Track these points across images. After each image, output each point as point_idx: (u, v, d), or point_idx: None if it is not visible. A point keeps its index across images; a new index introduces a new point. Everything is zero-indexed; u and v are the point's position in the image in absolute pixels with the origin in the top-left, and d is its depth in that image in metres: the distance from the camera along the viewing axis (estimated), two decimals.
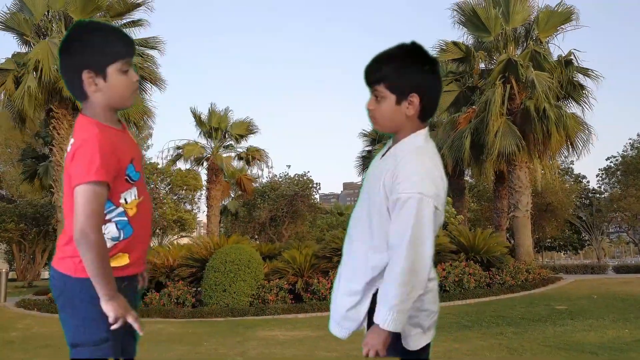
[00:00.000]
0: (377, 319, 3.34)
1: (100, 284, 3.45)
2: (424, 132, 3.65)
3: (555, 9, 29.21)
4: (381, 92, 3.59)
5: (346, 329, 3.66)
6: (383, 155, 3.73)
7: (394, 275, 3.30)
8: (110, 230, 3.60)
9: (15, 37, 28.04)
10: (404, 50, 3.63)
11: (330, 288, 18.68)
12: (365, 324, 3.56)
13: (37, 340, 12.62)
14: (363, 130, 41.07)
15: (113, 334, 3.57)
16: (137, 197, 3.69)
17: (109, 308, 3.45)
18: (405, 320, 3.35)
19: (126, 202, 3.63)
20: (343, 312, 3.65)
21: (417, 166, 3.42)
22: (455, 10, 29.96)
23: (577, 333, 12.25)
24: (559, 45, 46.47)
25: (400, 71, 3.56)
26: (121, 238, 3.63)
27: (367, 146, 40.40)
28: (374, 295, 3.50)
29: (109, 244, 3.58)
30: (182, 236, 58.42)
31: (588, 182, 57.16)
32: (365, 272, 3.54)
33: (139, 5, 28.52)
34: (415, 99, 3.55)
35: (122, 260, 3.65)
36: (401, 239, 3.31)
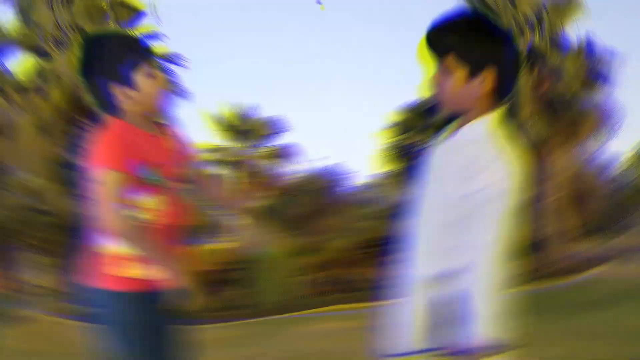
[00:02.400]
0: (472, 333, 2.88)
1: (151, 257, 3.55)
2: (497, 114, 3.18)
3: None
4: (450, 65, 3.08)
5: (414, 344, 3.20)
6: (448, 140, 3.26)
7: (484, 283, 2.91)
8: None
9: (30, 55, 28.21)
10: (475, 17, 3.22)
11: (368, 280, 18.69)
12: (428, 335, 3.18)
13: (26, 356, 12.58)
14: (392, 121, 40.98)
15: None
16: (153, 201, 3.65)
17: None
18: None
19: (137, 204, 3.59)
20: (412, 325, 3.20)
21: (496, 154, 3.00)
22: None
23: (625, 318, 12.06)
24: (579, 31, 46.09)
25: (473, 41, 3.07)
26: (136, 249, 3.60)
27: (398, 136, 40.31)
28: (443, 304, 3.10)
29: (125, 251, 3.58)
30: (219, 240, 58.72)
31: (617, 167, 56.95)
32: (437, 276, 3.11)
33: (142, 12, 28.57)
34: (490, 74, 3.05)
35: (138, 272, 3.63)
36: (489, 240, 2.93)
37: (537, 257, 20.96)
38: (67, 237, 42.53)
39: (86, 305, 3.70)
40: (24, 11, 27.75)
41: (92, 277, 3.66)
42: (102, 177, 3.45)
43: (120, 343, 3.60)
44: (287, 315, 17.32)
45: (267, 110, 42.33)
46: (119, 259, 3.59)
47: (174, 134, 3.95)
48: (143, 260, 3.59)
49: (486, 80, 3.06)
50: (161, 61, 28.43)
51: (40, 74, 27.31)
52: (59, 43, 27.71)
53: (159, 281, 3.66)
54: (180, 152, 3.95)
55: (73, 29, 27.33)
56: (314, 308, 17.68)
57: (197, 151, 4.19)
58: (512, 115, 24.29)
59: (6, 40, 27.76)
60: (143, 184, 3.58)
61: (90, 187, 3.53)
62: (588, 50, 28.90)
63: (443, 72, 3.12)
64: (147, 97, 3.63)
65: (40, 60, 28.18)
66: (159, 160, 3.67)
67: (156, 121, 3.85)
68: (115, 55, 3.58)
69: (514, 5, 29.02)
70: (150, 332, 3.66)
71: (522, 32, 28.97)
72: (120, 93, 3.58)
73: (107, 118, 3.70)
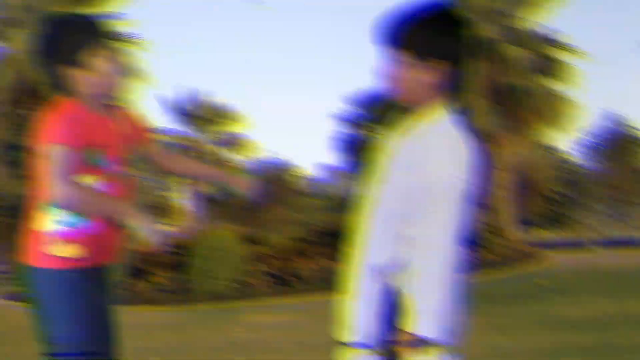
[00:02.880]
0: (421, 328, 2.87)
1: (113, 214, 3.51)
2: (451, 107, 3.13)
3: None
4: (405, 57, 3.03)
5: (365, 338, 3.13)
6: (400, 133, 3.20)
7: (436, 277, 2.88)
8: (63, 213, 3.54)
9: None
10: (433, 10, 3.11)
11: (315, 271, 18.70)
12: (377, 327, 3.11)
13: (24, 333, 12.58)
14: (339, 112, 40.87)
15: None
16: (99, 185, 3.59)
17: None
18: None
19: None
20: (361, 319, 3.15)
21: (448, 148, 2.96)
22: None
23: (560, 309, 12.28)
24: (542, 25, 46.39)
25: (429, 35, 3.03)
26: (77, 226, 3.56)
27: (344, 128, 40.22)
28: (391, 297, 3.08)
29: (62, 227, 3.54)
30: (165, 223, 58.27)
31: (570, 156, 57.31)
32: (382, 270, 3.07)
33: None
34: (443, 66, 3.02)
35: (74, 252, 3.56)
36: (439, 234, 2.89)
37: (484, 248, 21.06)
38: (10, 218, 42.19)
39: (26, 286, 3.65)
40: None
41: (31, 257, 3.60)
42: (51, 152, 3.40)
43: (58, 322, 3.55)
44: (225, 304, 17.24)
45: (222, 98, 42.01)
46: (58, 237, 3.54)
47: (126, 117, 3.89)
48: (82, 236, 3.56)
49: (439, 71, 3.03)
50: (121, 41, 28.24)
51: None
52: (13, 24, 27.42)
53: (97, 260, 3.67)
54: (133, 135, 3.88)
55: (32, 11, 27.04)
56: (256, 299, 17.62)
57: (151, 132, 4.16)
58: (464, 106, 24.49)
59: None
60: (87, 166, 3.52)
61: (38, 164, 3.48)
62: (545, 41, 29.08)
63: (395, 63, 3.09)
64: (100, 80, 3.57)
65: None
66: (106, 143, 3.62)
67: (109, 104, 3.77)
68: (71, 37, 3.55)
69: None
70: (88, 311, 3.59)
71: (482, 22, 29.08)
72: (73, 74, 3.53)
73: (60, 99, 3.62)
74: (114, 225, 3.69)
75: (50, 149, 3.41)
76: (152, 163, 4.07)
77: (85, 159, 3.52)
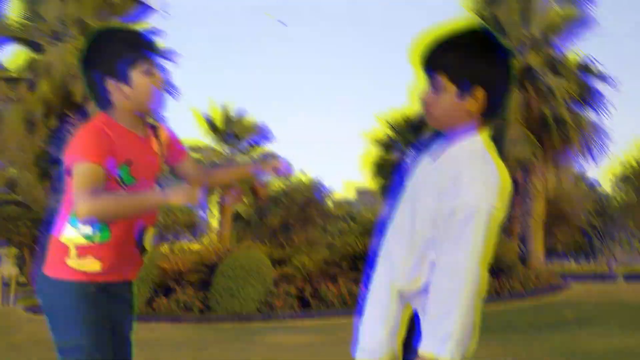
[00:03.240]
0: (437, 352, 2.86)
1: (149, 205, 3.52)
2: (485, 134, 3.17)
3: (575, 15, 29.11)
4: (440, 82, 3.06)
5: (379, 358, 3.18)
6: (432, 158, 3.20)
7: (458, 303, 2.87)
8: (83, 227, 3.56)
9: (25, 48, 28.21)
10: (471, 34, 3.16)
11: (339, 294, 18.67)
12: (398, 352, 3.19)
13: (43, 345, 12.69)
14: (375, 136, 40.78)
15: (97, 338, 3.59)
16: None
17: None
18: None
19: None
20: (377, 340, 3.18)
21: (480, 174, 2.98)
22: (476, 14, 29.82)
23: (584, 341, 12.16)
24: (576, 51, 46.26)
25: (465, 59, 3.05)
26: (96, 240, 3.58)
27: (381, 153, 40.10)
28: (412, 319, 3.14)
29: (83, 241, 3.57)
30: (193, 241, 58.39)
31: (601, 187, 56.96)
32: (403, 293, 3.14)
33: (152, 9, 28.64)
34: (480, 93, 3.04)
35: (92, 266, 3.60)
36: (466, 260, 2.89)
37: (510, 276, 20.96)
38: (36, 228, 42.44)
39: (43, 296, 3.68)
40: (32, 2, 27.73)
41: (51, 268, 3.64)
42: (77, 169, 3.43)
43: (69, 334, 3.58)
44: (248, 324, 17.23)
45: (254, 116, 42.19)
46: (78, 250, 3.57)
47: (161, 134, 3.94)
48: (102, 251, 3.60)
49: (476, 99, 3.05)
50: (159, 57, 28.45)
51: (32, 66, 27.28)
52: (55, 37, 27.69)
53: (116, 275, 3.71)
54: (167, 153, 3.96)
55: (75, 23, 27.27)
56: (278, 320, 17.61)
57: (185, 150, 4.20)
58: (499, 133, 24.24)
59: (2, 32, 27.70)
60: (117, 183, 3.56)
61: (65, 179, 3.53)
62: (583, 72, 29.00)
63: (433, 89, 3.11)
64: (140, 95, 3.60)
65: (33, 53, 28.15)
66: (136, 159, 3.64)
67: (146, 121, 3.83)
68: (115, 50, 3.57)
69: (526, 26, 29.10)
70: (99, 326, 3.62)
71: (522, 52, 29.03)
72: (114, 88, 3.57)
73: (96, 113, 3.71)
74: (135, 241, 3.73)
75: (76, 165, 3.44)
76: (186, 180, 4.06)
77: (118, 176, 3.56)
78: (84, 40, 3.73)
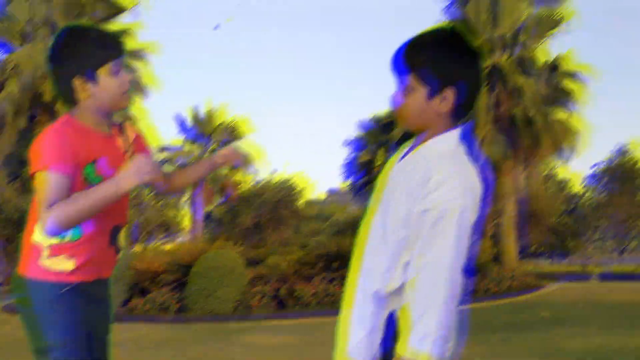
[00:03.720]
0: (417, 354, 2.84)
1: (107, 195, 3.41)
2: (456, 133, 3.13)
3: (545, 14, 29.26)
4: (410, 82, 3.05)
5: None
6: (403, 158, 3.22)
7: (435, 303, 2.86)
8: None
9: None
10: (441, 35, 3.15)
11: (314, 294, 18.68)
12: (377, 354, 3.12)
13: (21, 345, 12.64)
14: (348, 137, 40.85)
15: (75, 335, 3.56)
16: None
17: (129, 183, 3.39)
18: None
19: None
20: (355, 342, 3.14)
21: (452, 173, 2.95)
22: (446, 14, 30.01)
23: (562, 340, 12.25)
24: (548, 51, 46.53)
25: (435, 60, 3.03)
26: (67, 239, 3.55)
27: (352, 153, 40.18)
28: (388, 321, 3.09)
29: (55, 240, 3.53)
30: (166, 242, 58.30)
31: (571, 187, 57.29)
32: (379, 294, 3.08)
33: (123, 10, 28.60)
34: (450, 94, 3.03)
35: (65, 265, 3.57)
36: (441, 260, 2.89)
37: (485, 276, 21.06)
38: (11, 230, 42.22)
39: (19, 297, 3.68)
40: (1, 3, 27.68)
41: (26, 268, 3.63)
42: (40, 179, 3.40)
43: (46, 335, 3.55)
44: (224, 324, 17.18)
45: (230, 112, 42.07)
46: (51, 250, 3.56)
47: (129, 133, 3.92)
48: (76, 250, 3.58)
49: (446, 99, 3.04)
50: (132, 55, 28.41)
51: (1, 67, 27.18)
52: (25, 37, 27.60)
53: (91, 274, 3.68)
54: (134, 152, 3.85)
55: (44, 24, 27.17)
56: (255, 320, 17.59)
57: (153, 150, 4.16)
58: (470, 133, 24.54)
59: None
60: (85, 184, 3.53)
61: (33, 187, 3.48)
62: (553, 70, 29.15)
63: (403, 89, 3.10)
64: (106, 95, 3.58)
65: (1, 54, 28.07)
66: (104, 159, 3.63)
67: (113, 120, 3.81)
68: (83, 48, 3.55)
69: (495, 25, 29.21)
70: (76, 326, 3.58)
71: (492, 51, 29.13)
72: (80, 87, 3.53)
73: (62, 113, 3.68)
74: (109, 240, 3.70)
75: (37, 175, 3.42)
76: (152, 185, 4.04)
77: (85, 177, 3.52)
78: (52, 37, 3.69)
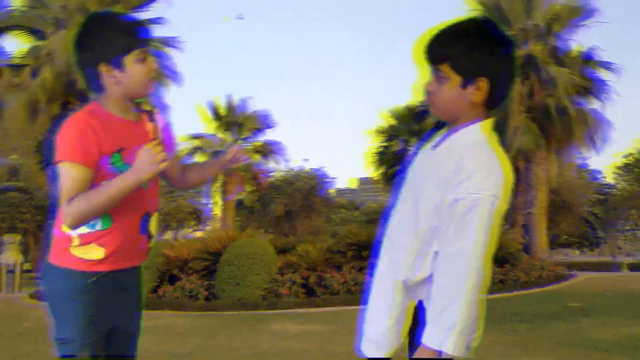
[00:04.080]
0: (442, 343, 2.84)
1: (120, 190, 3.43)
2: (488, 124, 3.15)
3: (578, 4, 29.11)
4: (445, 72, 3.07)
5: (385, 350, 3.19)
6: (435, 147, 3.22)
7: (462, 292, 2.85)
8: None
9: (28, 35, 28.31)
10: (475, 25, 3.15)
11: (344, 283, 18.68)
12: (403, 342, 3.18)
13: (49, 331, 12.76)
14: (379, 126, 40.70)
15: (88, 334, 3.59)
16: None
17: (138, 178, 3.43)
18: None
19: None
20: (382, 330, 3.18)
21: (482, 164, 2.96)
22: (479, 3, 29.85)
23: (590, 330, 12.19)
24: (580, 42, 46.31)
25: (469, 50, 3.06)
26: (97, 228, 3.56)
27: (383, 142, 40.10)
28: (416, 310, 3.12)
29: (85, 229, 3.54)
30: (196, 229, 58.43)
31: (604, 178, 56.97)
32: (407, 283, 3.11)
33: None
34: (483, 84, 3.05)
35: (95, 254, 3.58)
36: (470, 249, 2.88)
37: (514, 266, 20.98)
38: (38, 215, 42.41)
39: (46, 283, 3.68)
40: None
41: (54, 256, 3.64)
42: (62, 172, 3.42)
43: (64, 322, 3.58)
44: (253, 312, 17.23)
45: (256, 104, 42.24)
46: (80, 239, 3.55)
47: (155, 121, 3.87)
48: (104, 239, 3.57)
49: (479, 89, 3.05)
50: (160, 44, 28.51)
51: (34, 54, 27.32)
52: (58, 24, 27.71)
53: (120, 263, 3.68)
54: (160, 139, 3.82)
55: (78, 11, 27.26)
56: (283, 307, 17.61)
57: (178, 139, 4.17)
58: (502, 124, 24.19)
59: (5, 20, 27.77)
60: (113, 172, 3.52)
61: (57, 178, 3.47)
62: (585, 61, 28.99)
63: (437, 79, 3.11)
64: (132, 82, 3.57)
65: (35, 40, 28.21)
66: (131, 147, 3.58)
67: (139, 107, 3.79)
68: (110, 35, 3.53)
69: (529, 15, 29.07)
70: (96, 322, 3.59)
71: (526, 42, 29.00)
72: (106, 73, 3.53)
73: (88, 101, 3.66)
74: (139, 228, 3.71)
75: (59, 166, 3.45)
76: (166, 178, 4.06)
77: (111, 165, 3.53)
78: (79, 23, 3.68)
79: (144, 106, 3.81)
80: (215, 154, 38.93)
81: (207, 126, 40.46)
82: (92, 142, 3.45)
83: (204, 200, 56.06)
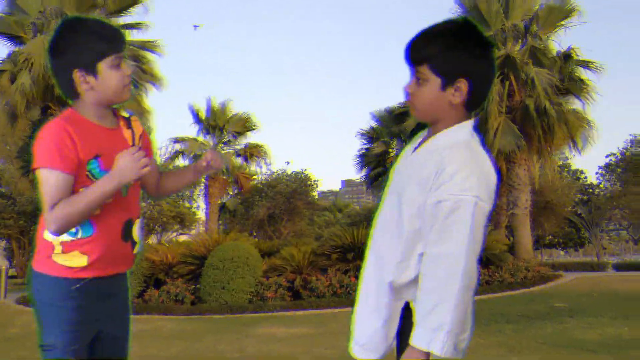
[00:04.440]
0: (430, 344, 2.83)
1: (103, 193, 3.43)
2: (469, 124, 3.12)
3: (557, 4, 29.24)
4: (424, 73, 3.05)
5: (375, 352, 3.17)
6: (416, 149, 3.21)
7: (450, 293, 2.83)
8: None
9: (6, 41, 28.36)
10: (454, 27, 3.12)
11: (329, 285, 18.70)
12: (393, 344, 3.17)
13: (36, 337, 12.68)
14: (361, 128, 40.77)
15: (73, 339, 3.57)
16: None
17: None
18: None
19: None
20: (370, 333, 3.17)
21: (465, 163, 2.93)
22: (457, 4, 30.03)
23: (576, 331, 12.23)
24: (559, 42, 46.39)
25: (448, 51, 3.03)
26: (78, 235, 3.53)
27: (365, 144, 40.15)
28: (404, 311, 3.11)
29: (67, 237, 3.51)
30: (181, 233, 58.40)
31: (585, 177, 57.20)
32: (394, 285, 3.08)
33: (135, 2, 28.67)
34: (463, 85, 3.02)
35: (78, 261, 3.54)
36: (456, 250, 2.85)
37: (499, 267, 21.04)
38: (22, 221, 42.32)
39: (32, 290, 3.66)
40: None
41: (38, 262, 3.61)
42: (40, 178, 3.40)
43: (48, 328, 3.57)
44: (239, 315, 17.22)
45: (238, 107, 42.15)
46: (63, 245, 3.52)
47: (136, 126, 3.87)
48: (88, 246, 3.54)
49: (459, 90, 3.04)
50: (140, 49, 28.50)
51: (13, 59, 27.29)
52: (37, 30, 27.69)
53: (104, 270, 3.64)
54: (140, 146, 3.78)
55: (56, 16, 27.21)
56: (269, 311, 17.63)
57: (153, 144, 4.11)
58: (482, 124, 24.25)
59: None
60: (90, 179, 3.50)
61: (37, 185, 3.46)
62: (565, 61, 29.06)
63: (416, 80, 3.10)
64: (106, 88, 3.55)
65: (14, 46, 28.19)
66: (108, 153, 3.56)
67: (115, 113, 3.77)
68: (83, 41, 3.51)
69: (507, 15, 29.16)
70: (80, 329, 3.58)
71: (504, 42, 29.07)
72: (81, 80, 3.51)
73: (63, 109, 3.62)
74: (121, 234, 3.68)
75: (37, 173, 3.42)
76: (144, 185, 4.01)
77: (85, 171, 3.50)
78: (53, 29, 3.67)
79: (121, 112, 3.79)
80: (197, 157, 38.88)
81: (188, 130, 40.50)
82: (70, 148, 3.42)
83: (187, 204, 56.09)
